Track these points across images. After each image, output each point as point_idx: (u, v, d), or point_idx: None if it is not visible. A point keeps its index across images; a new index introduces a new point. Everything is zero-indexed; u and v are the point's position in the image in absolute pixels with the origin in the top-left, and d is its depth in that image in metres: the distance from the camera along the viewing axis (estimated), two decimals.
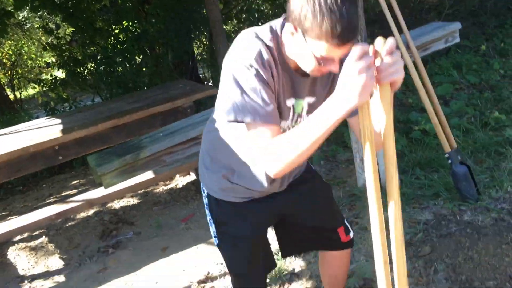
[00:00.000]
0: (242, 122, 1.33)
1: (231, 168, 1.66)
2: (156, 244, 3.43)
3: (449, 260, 2.49)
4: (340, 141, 4.56)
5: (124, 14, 6.35)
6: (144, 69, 6.71)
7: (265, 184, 1.64)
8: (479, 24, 7.30)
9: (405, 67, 2.86)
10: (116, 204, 4.14)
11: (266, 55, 1.32)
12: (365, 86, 1.12)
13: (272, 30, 1.38)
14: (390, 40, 1.15)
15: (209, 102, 5.93)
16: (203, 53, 7.96)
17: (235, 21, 8.18)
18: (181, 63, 6.83)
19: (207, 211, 1.85)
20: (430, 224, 2.88)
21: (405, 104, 4.94)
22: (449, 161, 3.08)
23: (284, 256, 2.22)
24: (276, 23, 1.41)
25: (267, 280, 2.73)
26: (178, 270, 3.07)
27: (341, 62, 1.23)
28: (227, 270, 1.95)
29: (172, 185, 4.38)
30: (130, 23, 6.68)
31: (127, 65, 6.43)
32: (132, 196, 4.25)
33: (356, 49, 1.12)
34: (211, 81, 7.45)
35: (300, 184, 1.81)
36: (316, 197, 1.87)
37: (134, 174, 2.53)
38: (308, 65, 1.32)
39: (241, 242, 1.76)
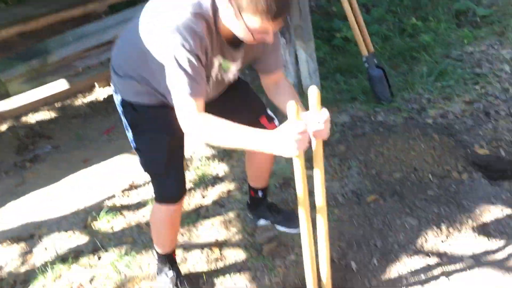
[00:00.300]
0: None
1: (146, 80, 1.66)
2: (77, 156, 3.34)
3: (362, 156, 2.64)
4: None
5: None
6: None
7: None
8: None
9: None
10: (31, 118, 3.92)
11: (200, 26, 1.42)
12: (299, 148, 1.35)
13: (199, 6, 1.43)
14: (324, 111, 1.43)
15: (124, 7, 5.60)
16: None
17: None
18: None
19: (122, 117, 1.83)
20: (346, 125, 3.01)
21: (329, 12, 4.93)
22: (366, 64, 3.18)
23: None
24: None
25: (191, 185, 2.80)
26: (101, 181, 3.03)
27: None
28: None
29: (91, 97, 4.20)
30: None
31: None
32: (48, 110, 4.04)
33: (297, 122, 1.34)
34: None
35: None
36: (230, 92, 1.86)
37: (43, 81, 2.37)
38: (242, 36, 1.44)
39: (158, 140, 1.77)
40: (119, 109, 1.82)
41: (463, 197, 2.29)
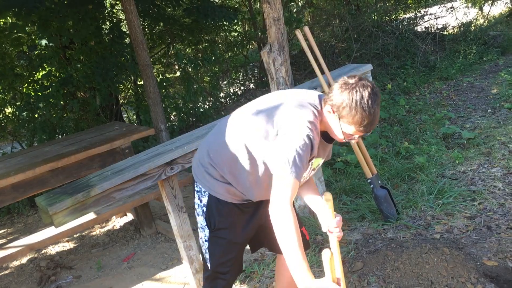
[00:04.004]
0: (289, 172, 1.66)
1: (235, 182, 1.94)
2: (99, 285, 3.42)
3: (379, 272, 2.79)
4: None
5: (45, 59, 6.32)
6: (68, 113, 6.66)
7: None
8: (384, 65, 8.13)
9: None
10: (51, 250, 4.06)
11: (316, 126, 1.76)
12: None
13: (316, 107, 1.81)
14: (338, 217, 1.82)
15: (141, 143, 6.02)
16: (127, 96, 8.02)
17: (159, 65, 8.38)
18: (106, 107, 6.87)
19: (201, 218, 2.06)
20: (359, 243, 3.19)
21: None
22: (371, 185, 3.46)
23: (253, 251, 2.40)
24: (314, 99, 1.85)
25: None
26: None
27: None
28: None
29: (109, 227, 4.38)
30: (54, 69, 6.64)
31: (52, 110, 6.36)
32: (68, 241, 4.18)
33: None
34: (137, 123, 7.52)
35: None
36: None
37: (84, 212, 2.58)
38: (337, 137, 1.81)
39: (234, 246, 2.05)
40: (201, 209, 2.05)
41: None
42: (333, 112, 1.74)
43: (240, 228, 2.03)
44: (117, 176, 2.58)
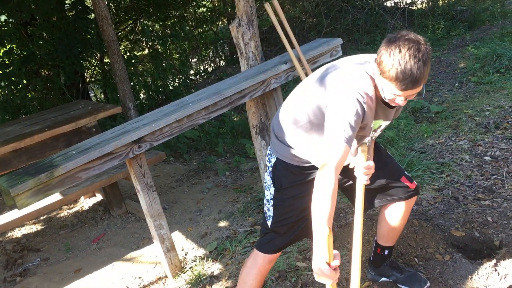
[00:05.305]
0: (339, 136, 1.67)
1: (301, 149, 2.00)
2: (68, 267, 3.35)
3: (350, 245, 2.81)
4: (242, 152, 4.82)
5: (5, 36, 6.05)
6: (32, 92, 6.44)
7: None
8: (354, 40, 8.13)
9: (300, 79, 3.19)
10: (18, 233, 3.95)
11: (370, 92, 1.75)
12: (320, 277, 1.41)
13: (369, 71, 1.79)
14: (369, 162, 1.91)
15: (109, 122, 5.87)
16: (93, 74, 7.80)
17: (126, 42, 8.16)
18: (72, 86, 6.66)
19: (268, 177, 2.13)
20: None
21: None
22: None
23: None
24: (371, 63, 1.81)
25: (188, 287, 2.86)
26: None
27: None
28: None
29: (77, 208, 4.28)
30: (14, 46, 6.38)
31: (14, 89, 6.14)
32: (34, 223, 4.08)
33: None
34: (104, 102, 7.34)
35: None
36: (375, 158, 2.11)
37: (49, 193, 2.49)
38: (385, 96, 1.75)
39: (295, 208, 2.08)
40: (269, 169, 2.12)
41: (449, 277, 2.46)
42: (378, 70, 1.70)
43: (302, 192, 2.04)
44: (82, 156, 2.50)
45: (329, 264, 1.39)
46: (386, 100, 1.78)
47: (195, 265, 3.05)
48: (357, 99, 1.71)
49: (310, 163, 2.04)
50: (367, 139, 1.96)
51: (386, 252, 2.44)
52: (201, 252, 3.20)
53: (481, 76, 5.50)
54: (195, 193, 4.17)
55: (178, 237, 3.45)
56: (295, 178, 2.06)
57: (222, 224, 3.51)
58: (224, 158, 4.89)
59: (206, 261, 3.08)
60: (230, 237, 3.28)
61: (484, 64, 5.80)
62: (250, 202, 3.66)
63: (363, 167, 1.90)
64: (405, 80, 1.61)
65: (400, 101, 1.73)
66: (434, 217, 2.96)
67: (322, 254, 1.39)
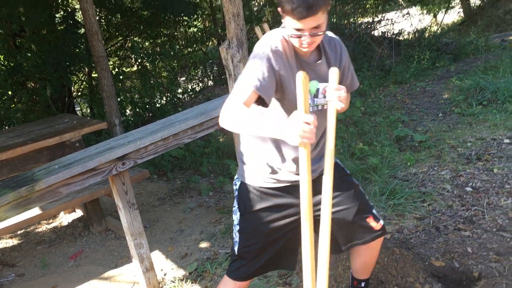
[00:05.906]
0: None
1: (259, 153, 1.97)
2: (43, 283, 3.27)
3: (331, 271, 2.80)
4: (226, 173, 4.81)
5: None
6: (17, 104, 6.38)
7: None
8: None
9: None
10: None
11: (278, 46, 1.72)
12: (302, 137, 1.43)
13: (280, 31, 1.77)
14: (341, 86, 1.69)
15: (94, 137, 5.83)
16: (80, 88, 7.77)
17: (115, 58, 8.16)
18: (58, 99, 6.62)
19: (235, 201, 2.10)
20: None
21: None
22: None
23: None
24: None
25: None
26: None
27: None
28: None
29: (56, 223, 4.21)
30: (2, 57, 6.34)
31: None
32: (11, 237, 3.99)
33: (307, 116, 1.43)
34: (90, 117, 7.29)
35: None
36: (338, 190, 2.03)
37: (28, 208, 2.45)
38: (294, 41, 1.69)
39: (259, 233, 2.02)
40: (235, 193, 2.10)
41: None
42: (280, 12, 1.66)
43: (266, 217, 2.01)
44: (65, 171, 2.46)
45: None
46: (296, 45, 1.72)
47: (174, 286, 3.01)
48: (262, 50, 1.72)
49: (271, 181, 1.98)
50: (323, 104, 1.87)
51: (363, 284, 2.44)
52: (180, 273, 3.16)
53: (464, 107, 5.61)
54: (178, 213, 4.14)
55: (158, 257, 3.41)
56: (259, 202, 2.03)
57: (203, 245, 3.47)
58: (208, 178, 4.88)
59: (185, 282, 3.03)
60: (210, 258, 3.25)
61: (467, 96, 5.93)
62: (232, 224, 3.63)
63: (334, 89, 1.69)
64: (299, 6, 1.55)
65: (306, 40, 1.66)
66: (415, 246, 2.97)
67: (297, 115, 1.44)
